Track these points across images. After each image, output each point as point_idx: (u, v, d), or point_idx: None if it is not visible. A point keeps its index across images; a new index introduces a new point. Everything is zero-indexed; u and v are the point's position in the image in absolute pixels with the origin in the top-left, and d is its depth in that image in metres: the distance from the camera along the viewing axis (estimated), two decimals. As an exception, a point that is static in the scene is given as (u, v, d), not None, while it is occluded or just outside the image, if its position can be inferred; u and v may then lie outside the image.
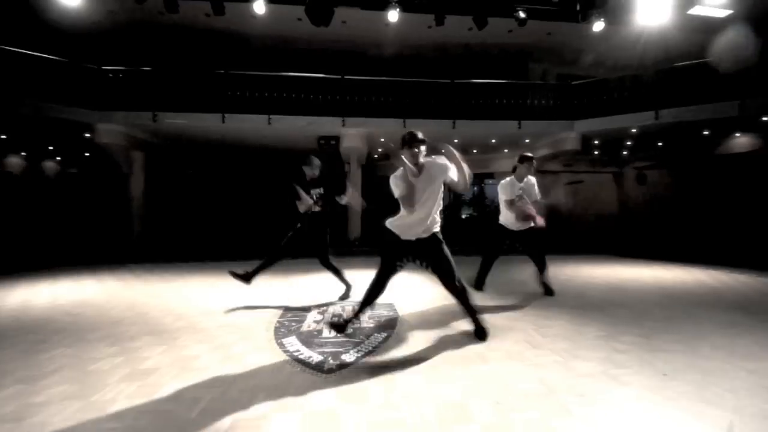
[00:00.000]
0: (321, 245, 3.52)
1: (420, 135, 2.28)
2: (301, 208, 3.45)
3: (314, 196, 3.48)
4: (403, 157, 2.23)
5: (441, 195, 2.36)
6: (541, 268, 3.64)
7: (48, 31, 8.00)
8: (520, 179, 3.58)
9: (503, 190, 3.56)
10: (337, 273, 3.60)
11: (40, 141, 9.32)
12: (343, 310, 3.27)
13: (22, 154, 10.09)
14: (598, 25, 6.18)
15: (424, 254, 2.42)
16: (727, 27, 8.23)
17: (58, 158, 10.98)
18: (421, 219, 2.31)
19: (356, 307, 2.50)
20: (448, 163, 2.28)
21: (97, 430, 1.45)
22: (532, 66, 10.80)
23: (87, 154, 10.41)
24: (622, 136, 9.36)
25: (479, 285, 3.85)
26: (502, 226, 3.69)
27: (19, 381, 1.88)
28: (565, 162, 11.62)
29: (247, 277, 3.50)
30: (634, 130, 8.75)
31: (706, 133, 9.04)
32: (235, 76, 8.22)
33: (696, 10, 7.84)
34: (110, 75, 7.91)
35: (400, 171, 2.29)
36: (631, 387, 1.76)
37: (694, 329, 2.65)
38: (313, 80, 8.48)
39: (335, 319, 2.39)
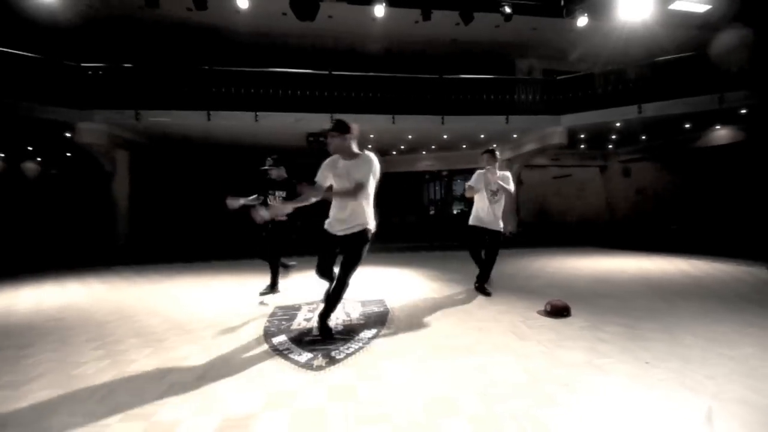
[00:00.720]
0: (279, 245, 3.52)
1: (350, 125, 2.35)
2: (257, 219, 3.24)
3: (279, 200, 3.41)
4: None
5: (366, 193, 2.32)
6: (489, 268, 3.62)
7: (23, 26, 7.70)
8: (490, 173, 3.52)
9: (473, 179, 3.54)
10: (275, 273, 3.59)
11: (19, 141, 9.00)
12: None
13: (0, 155, 9.75)
14: (582, 21, 6.26)
15: (346, 248, 2.41)
16: (705, 22, 8.43)
17: (39, 159, 10.65)
18: (344, 212, 2.35)
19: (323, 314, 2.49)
20: (373, 167, 2.32)
21: (82, 436, 1.43)
22: (518, 61, 10.87)
23: (68, 155, 10.12)
24: (607, 130, 9.53)
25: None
26: (474, 227, 3.60)
27: (2, 387, 1.84)
28: (553, 156, 11.79)
29: (273, 288, 3.57)
30: (618, 124, 8.91)
31: (687, 126, 9.27)
32: (220, 72, 8.05)
33: (677, 5, 8.00)
34: (90, 72, 7.66)
35: (332, 158, 2.40)
36: (614, 375, 1.81)
37: (676, 318, 2.73)
38: (301, 76, 8.37)
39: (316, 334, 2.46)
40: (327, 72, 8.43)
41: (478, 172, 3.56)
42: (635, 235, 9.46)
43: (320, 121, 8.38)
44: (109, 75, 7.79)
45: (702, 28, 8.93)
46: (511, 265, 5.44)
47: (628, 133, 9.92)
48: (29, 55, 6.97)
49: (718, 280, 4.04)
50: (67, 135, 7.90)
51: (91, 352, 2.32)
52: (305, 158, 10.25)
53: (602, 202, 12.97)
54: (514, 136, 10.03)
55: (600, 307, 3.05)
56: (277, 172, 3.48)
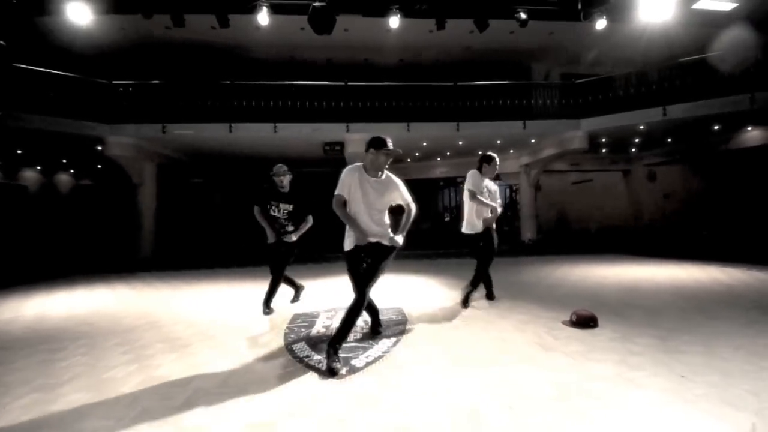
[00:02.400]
0: (284, 258, 3.35)
1: (390, 144, 2.27)
2: (270, 237, 3.24)
3: (284, 212, 3.27)
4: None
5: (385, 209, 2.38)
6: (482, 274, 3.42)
7: (61, 51, 8.26)
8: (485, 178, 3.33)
9: (472, 178, 3.25)
10: (274, 287, 3.41)
11: (54, 154, 9.57)
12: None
13: (37, 167, 10.38)
14: (601, 23, 6.13)
15: (374, 256, 2.30)
16: (732, 21, 8.11)
17: (72, 171, 11.28)
18: (370, 224, 2.28)
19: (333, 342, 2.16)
20: (400, 184, 2.37)
21: (113, 439, 1.47)
22: (535, 66, 10.76)
23: (99, 167, 10.67)
24: (630, 133, 9.24)
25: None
26: (469, 234, 3.33)
27: (37, 389, 1.92)
28: (573, 161, 11.52)
29: (267, 306, 3.42)
30: (642, 127, 8.63)
31: (716, 127, 8.88)
32: (241, 86, 8.35)
33: (701, 5, 7.74)
34: (120, 89, 8.11)
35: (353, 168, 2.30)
36: (648, 389, 1.72)
37: (712, 329, 2.58)
38: (318, 88, 8.57)
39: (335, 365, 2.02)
40: (343, 83, 8.60)
41: (474, 172, 3.31)
42: (663, 242, 9.05)
43: (336, 131, 8.53)
44: (138, 91, 8.22)
45: (728, 26, 8.61)
46: (531, 273, 5.31)
47: (653, 136, 9.58)
48: (64, 74, 7.44)
49: (756, 289, 3.80)
50: (98, 148, 8.34)
51: (119, 356, 2.39)
52: (320, 167, 10.43)
53: (626, 208, 12.52)
54: (532, 141, 9.87)
55: (629, 318, 2.92)
56: (287, 180, 3.30)
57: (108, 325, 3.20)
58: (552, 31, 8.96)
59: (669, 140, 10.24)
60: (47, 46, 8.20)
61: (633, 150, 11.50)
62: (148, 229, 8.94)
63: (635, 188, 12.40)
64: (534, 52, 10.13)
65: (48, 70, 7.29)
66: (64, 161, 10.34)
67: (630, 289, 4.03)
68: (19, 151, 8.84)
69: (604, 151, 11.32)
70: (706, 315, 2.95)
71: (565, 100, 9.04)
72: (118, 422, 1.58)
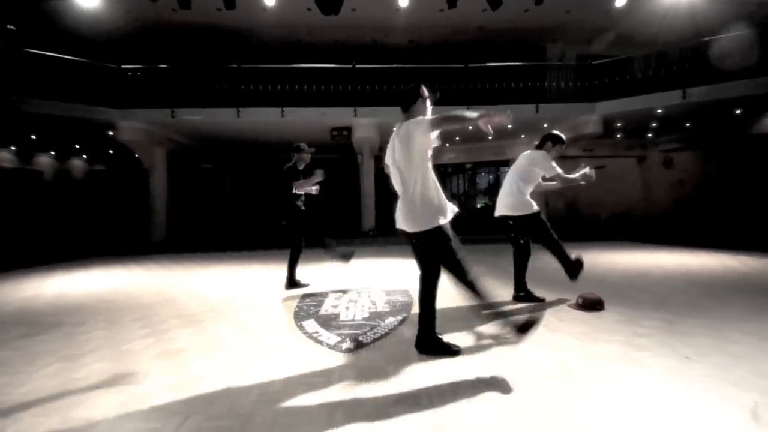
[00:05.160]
0: (310, 232, 3.69)
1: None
2: (300, 190, 3.57)
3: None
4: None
5: (422, 166, 1.82)
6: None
7: (68, 35, 8.27)
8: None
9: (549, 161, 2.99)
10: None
11: (67, 140, 9.73)
12: (359, 295, 3.33)
13: (52, 153, 10.60)
14: (621, 1, 5.86)
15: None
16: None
17: (85, 156, 11.49)
18: (401, 201, 1.90)
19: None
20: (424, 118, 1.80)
21: (135, 404, 1.55)
22: (549, 47, 10.40)
23: (111, 152, 10.84)
24: (647, 117, 8.95)
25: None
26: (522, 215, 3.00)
27: (61, 359, 2.03)
28: (586, 146, 11.24)
29: (292, 284, 3.69)
30: (659, 111, 8.34)
31: (738, 111, 8.53)
32: (248, 70, 8.29)
33: (730, -21, 7.32)
34: (129, 74, 8.13)
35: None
36: (653, 369, 1.74)
37: (721, 314, 2.56)
38: (325, 71, 8.46)
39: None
40: (350, 66, 8.47)
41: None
42: (676, 230, 8.88)
43: (343, 115, 8.45)
44: (146, 76, 8.23)
45: (761, 4, 8.13)
46: (538, 259, 5.28)
47: (671, 120, 9.26)
48: (73, 58, 7.47)
49: (772, 277, 3.73)
50: (110, 133, 8.45)
51: (137, 330, 2.50)
52: (328, 152, 10.41)
53: (638, 195, 12.24)
54: (545, 125, 9.63)
55: (636, 302, 2.91)
56: (309, 156, 3.66)
57: (125, 302, 3.33)
58: (568, 9, 8.61)
59: (687, 125, 9.88)
60: (54, 30, 8.22)
61: (649, 135, 11.15)
62: (160, 214, 9.12)
63: (649, 175, 12.08)
64: (549, 32, 9.78)
65: (57, 55, 7.32)
66: (77, 147, 10.52)
67: (638, 276, 4.00)
68: (33, 137, 9.01)
69: (618, 136, 11.01)
70: (716, 301, 2.93)
71: (581, 82, 8.75)
72: (140, 389, 1.66)
